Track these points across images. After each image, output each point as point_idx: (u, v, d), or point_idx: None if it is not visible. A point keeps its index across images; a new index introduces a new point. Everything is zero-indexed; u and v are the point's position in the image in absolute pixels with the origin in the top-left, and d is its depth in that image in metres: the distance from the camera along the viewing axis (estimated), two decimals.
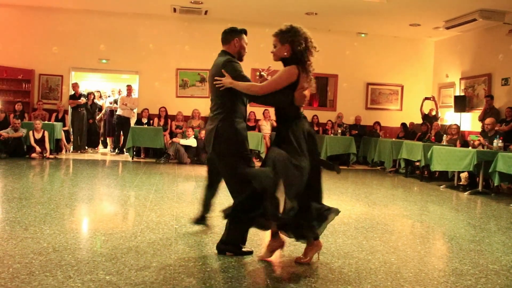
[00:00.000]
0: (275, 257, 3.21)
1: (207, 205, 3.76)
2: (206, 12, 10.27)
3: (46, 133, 9.10)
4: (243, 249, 3.25)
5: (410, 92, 12.02)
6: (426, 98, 10.98)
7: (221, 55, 3.34)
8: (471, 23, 9.24)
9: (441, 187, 7.72)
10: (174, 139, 9.79)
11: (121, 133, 10.72)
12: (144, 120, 10.36)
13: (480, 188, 7.09)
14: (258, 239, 3.76)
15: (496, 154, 6.58)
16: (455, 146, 8.28)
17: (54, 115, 10.40)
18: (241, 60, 3.36)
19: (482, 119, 9.10)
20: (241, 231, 3.21)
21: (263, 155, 10.03)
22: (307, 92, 3.13)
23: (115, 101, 11.20)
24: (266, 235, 3.84)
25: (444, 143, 8.56)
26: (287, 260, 3.23)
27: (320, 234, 3.14)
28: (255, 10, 9.94)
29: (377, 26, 10.90)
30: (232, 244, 3.21)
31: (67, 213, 4.36)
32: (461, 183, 7.93)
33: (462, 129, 9.80)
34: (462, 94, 10.67)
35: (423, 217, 5.15)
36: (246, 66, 3.42)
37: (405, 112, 11.89)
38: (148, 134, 9.72)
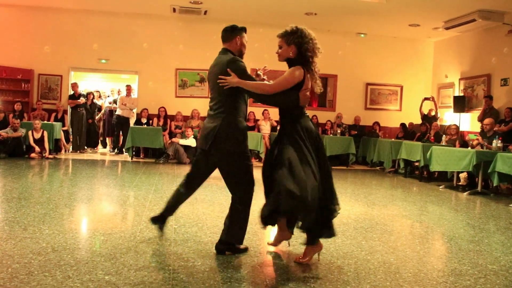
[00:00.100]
0: (281, 248, 3.21)
1: (174, 207, 3.51)
2: (205, 12, 10.28)
3: (45, 133, 9.10)
4: (240, 247, 3.28)
5: (409, 93, 12.03)
6: (426, 99, 10.99)
7: (223, 53, 3.30)
8: (471, 24, 9.25)
9: (440, 187, 7.72)
10: (174, 139, 9.79)
11: (121, 133, 10.72)
12: (144, 120, 10.36)
13: (479, 188, 7.10)
14: (257, 239, 3.77)
15: (495, 154, 6.58)
16: (454, 146, 8.28)
17: (53, 115, 10.39)
18: (241, 58, 3.35)
19: (481, 119, 9.10)
20: (242, 230, 3.22)
21: (262, 155, 10.04)
22: (309, 93, 3.21)
23: (115, 101, 11.20)
24: (267, 233, 3.84)
25: (443, 144, 8.56)
26: (286, 260, 3.23)
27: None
28: (254, 10, 9.94)
29: (377, 26, 10.91)
30: (231, 243, 3.22)
31: (66, 213, 4.35)
32: (460, 183, 7.94)
33: (461, 129, 9.81)
34: (462, 94, 10.68)
35: (422, 217, 5.15)
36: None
37: (405, 112, 11.90)
38: (148, 134, 9.72)
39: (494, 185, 6.92)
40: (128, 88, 10.75)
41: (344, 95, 11.84)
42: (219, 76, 3.15)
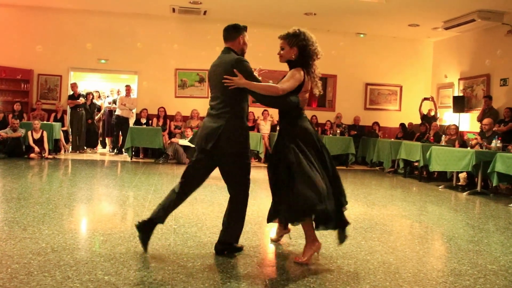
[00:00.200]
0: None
1: (167, 213, 3.28)
2: (205, 13, 10.27)
3: (44, 133, 9.09)
4: (236, 246, 3.30)
5: (409, 93, 12.03)
6: (425, 99, 11.00)
7: (226, 52, 3.24)
8: (470, 24, 9.25)
9: (440, 187, 7.73)
10: (173, 139, 9.79)
11: (120, 133, 10.71)
12: (143, 120, 10.35)
13: (478, 188, 7.10)
14: (257, 239, 3.77)
15: (495, 154, 6.59)
16: (454, 146, 8.29)
17: (52, 115, 10.39)
18: (243, 57, 3.34)
19: (480, 119, 9.11)
20: (240, 229, 3.23)
21: (262, 155, 10.04)
22: (307, 95, 3.28)
23: (114, 101, 11.19)
24: (266, 234, 3.84)
25: (443, 144, 8.57)
26: (286, 260, 3.23)
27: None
28: (254, 11, 9.94)
29: (376, 26, 10.91)
30: (229, 243, 3.23)
31: (66, 213, 4.35)
32: (459, 183, 7.95)
33: (460, 129, 9.81)
34: (461, 94, 10.68)
35: (421, 218, 5.15)
36: None
37: (404, 112, 11.90)
38: (147, 134, 9.71)
39: (494, 185, 6.92)
40: (128, 88, 10.75)
41: (343, 95, 11.84)
42: (225, 76, 3.10)
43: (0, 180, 6.18)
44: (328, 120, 11.37)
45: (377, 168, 10.41)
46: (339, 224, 3.17)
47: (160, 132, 9.82)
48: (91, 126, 10.92)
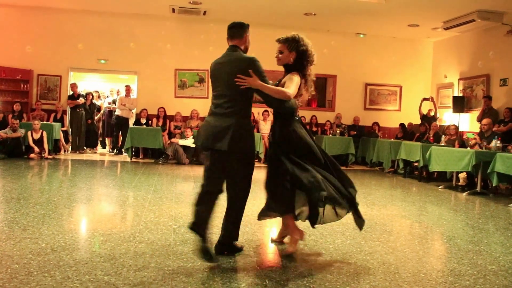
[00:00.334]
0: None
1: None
2: (204, 13, 10.27)
3: (44, 134, 9.09)
4: (236, 245, 3.32)
5: (408, 93, 12.04)
6: (425, 99, 11.00)
7: (233, 50, 3.18)
8: (470, 24, 9.26)
9: (440, 187, 7.73)
10: (173, 140, 9.79)
11: (120, 133, 10.71)
12: (143, 121, 10.35)
13: (478, 188, 7.10)
14: (256, 239, 3.77)
15: (495, 154, 6.59)
16: (454, 146, 8.29)
17: (52, 115, 10.39)
18: None
19: (480, 119, 9.11)
20: (238, 228, 3.28)
21: (261, 155, 10.04)
22: (300, 98, 3.40)
23: (114, 102, 11.19)
24: (266, 234, 3.84)
25: (443, 144, 8.57)
26: (286, 260, 3.23)
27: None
28: (254, 11, 9.94)
29: (376, 26, 10.91)
30: (229, 243, 3.25)
31: (66, 214, 4.35)
32: (459, 183, 7.95)
33: (460, 129, 9.82)
34: (461, 94, 10.68)
35: (421, 218, 5.15)
36: None
37: (404, 112, 11.90)
38: (147, 135, 9.71)
39: (493, 185, 6.92)
40: (127, 89, 10.75)
41: (343, 95, 11.84)
42: (239, 75, 3.04)
43: (0, 180, 6.18)
44: (328, 120, 11.37)
45: (377, 168, 10.42)
46: (351, 205, 3.31)
47: (160, 132, 9.82)
48: (91, 126, 10.92)
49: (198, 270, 2.88)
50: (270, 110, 10.41)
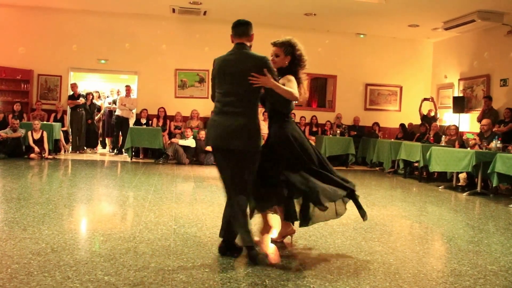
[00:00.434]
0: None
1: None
2: (205, 13, 10.27)
3: (44, 134, 9.09)
4: (237, 245, 3.29)
5: (409, 93, 12.04)
6: (425, 99, 11.00)
7: (242, 48, 3.15)
8: (470, 24, 9.26)
9: (440, 188, 7.73)
10: (173, 140, 9.79)
11: (120, 133, 10.71)
12: (143, 121, 10.36)
13: (478, 189, 7.10)
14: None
15: (495, 155, 6.58)
16: (454, 147, 8.29)
17: (52, 115, 10.39)
18: None
19: (480, 120, 9.11)
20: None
21: None
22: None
23: (114, 102, 11.19)
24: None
25: (443, 144, 8.57)
26: (286, 260, 3.23)
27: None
28: (254, 11, 9.94)
29: (376, 27, 10.91)
30: (231, 242, 3.25)
31: (66, 214, 4.35)
32: (459, 184, 7.94)
33: (460, 130, 9.82)
34: (461, 95, 10.68)
35: (421, 218, 5.15)
36: None
37: (404, 113, 11.90)
38: (147, 135, 9.71)
39: (494, 185, 6.91)
40: (128, 89, 10.75)
41: (343, 95, 11.84)
42: (254, 74, 3.02)
43: (0, 180, 6.18)
44: (328, 121, 11.37)
45: (377, 168, 10.41)
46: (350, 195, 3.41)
47: (160, 133, 9.82)
48: (91, 126, 10.92)
49: (198, 270, 2.88)
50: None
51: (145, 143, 9.83)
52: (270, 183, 3.26)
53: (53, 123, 9.73)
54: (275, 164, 3.27)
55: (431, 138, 9.56)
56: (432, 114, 10.95)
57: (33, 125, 9.06)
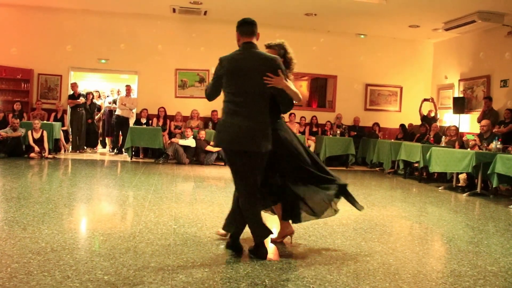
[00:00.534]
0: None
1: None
2: (205, 13, 10.27)
3: (44, 133, 9.09)
4: (240, 244, 3.34)
5: (409, 93, 12.04)
6: (425, 100, 11.00)
7: (253, 47, 3.13)
8: (470, 25, 9.26)
9: (440, 188, 7.73)
10: (173, 140, 9.79)
11: (120, 133, 10.71)
12: (143, 120, 10.36)
13: (478, 189, 7.10)
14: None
15: (495, 155, 6.58)
16: (454, 147, 8.29)
17: (53, 115, 10.39)
18: None
19: (481, 120, 9.10)
20: (245, 224, 3.29)
21: None
22: None
23: (114, 101, 11.19)
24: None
25: (443, 145, 8.57)
26: (286, 260, 3.23)
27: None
28: (254, 11, 9.92)
29: (376, 27, 10.91)
30: (237, 239, 3.32)
31: (66, 213, 4.35)
32: (459, 184, 7.94)
33: (461, 130, 9.82)
34: (461, 95, 10.68)
35: (421, 219, 5.15)
36: None
37: (404, 113, 11.90)
38: (147, 134, 9.71)
39: (494, 186, 6.91)
40: (128, 88, 10.74)
41: (343, 96, 11.84)
42: (269, 74, 3.02)
43: (0, 179, 6.18)
44: (328, 121, 11.36)
45: (377, 169, 10.41)
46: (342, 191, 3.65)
47: (160, 132, 9.82)
48: (91, 126, 10.92)
49: (198, 270, 2.88)
50: None
51: (145, 143, 9.83)
52: (266, 183, 3.31)
53: (53, 123, 9.73)
54: (270, 164, 3.30)
55: (431, 139, 9.56)
56: (432, 114, 10.95)
57: (33, 124, 9.06)
